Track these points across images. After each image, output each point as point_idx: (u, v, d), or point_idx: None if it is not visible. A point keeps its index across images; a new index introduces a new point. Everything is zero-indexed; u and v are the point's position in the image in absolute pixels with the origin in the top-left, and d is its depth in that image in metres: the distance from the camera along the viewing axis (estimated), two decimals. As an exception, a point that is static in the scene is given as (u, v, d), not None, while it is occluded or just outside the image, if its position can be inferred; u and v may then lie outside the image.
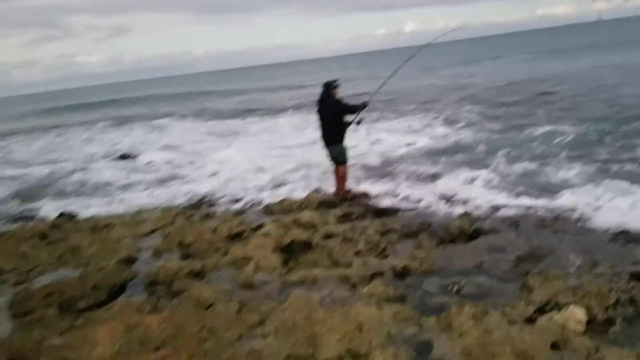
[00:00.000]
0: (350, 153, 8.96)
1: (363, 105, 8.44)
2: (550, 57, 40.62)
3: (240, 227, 7.38)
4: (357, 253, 6.04)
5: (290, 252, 6.31)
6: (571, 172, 8.64)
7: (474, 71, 36.63)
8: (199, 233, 7.10)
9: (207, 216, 8.60)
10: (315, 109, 8.72)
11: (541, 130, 12.57)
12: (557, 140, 11.29)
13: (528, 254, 5.54)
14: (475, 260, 5.54)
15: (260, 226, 7.31)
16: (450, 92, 23.86)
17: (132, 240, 7.45)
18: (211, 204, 9.69)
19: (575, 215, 6.65)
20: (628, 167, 8.61)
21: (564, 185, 7.95)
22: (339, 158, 8.67)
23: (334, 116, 8.46)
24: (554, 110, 15.23)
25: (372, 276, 5.37)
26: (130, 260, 6.67)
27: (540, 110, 15.59)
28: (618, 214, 6.35)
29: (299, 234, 6.54)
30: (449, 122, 15.54)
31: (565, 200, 7.21)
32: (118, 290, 5.71)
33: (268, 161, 12.83)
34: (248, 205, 9.19)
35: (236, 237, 7.11)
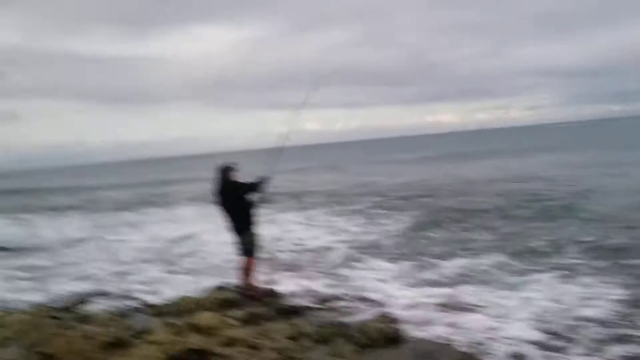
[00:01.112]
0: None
1: (264, 179, 7.64)
2: (444, 160, 42.70)
3: (122, 333, 6.18)
4: (265, 364, 5.10)
5: (183, 364, 5.24)
6: (482, 267, 8.35)
7: (375, 170, 37.52)
8: (69, 341, 5.80)
9: (84, 319, 7.27)
10: (214, 199, 7.82)
11: (449, 229, 12.49)
12: (473, 238, 11.19)
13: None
14: (402, 370, 4.80)
15: (148, 331, 6.16)
16: (355, 189, 23.93)
17: (-18, 353, 5.98)
18: (90, 302, 8.35)
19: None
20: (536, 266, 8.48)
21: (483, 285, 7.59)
22: (249, 248, 7.77)
23: (238, 199, 7.62)
24: (456, 209, 15.35)
25: (285, 394, 4.47)
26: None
27: (444, 208, 15.71)
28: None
29: (195, 341, 5.50)
30: (357, 217, 15.25)
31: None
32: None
33: (163, 254, 11.71)
34: (136, 305, 7.98)
35: (117, 345, 5.90)
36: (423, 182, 24.10)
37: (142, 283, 9.34)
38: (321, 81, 8.50)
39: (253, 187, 7.63)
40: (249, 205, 7.71)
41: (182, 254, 11.73)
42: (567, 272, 7.76)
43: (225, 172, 7.65)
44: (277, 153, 8.26)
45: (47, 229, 18.77)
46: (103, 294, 8.82)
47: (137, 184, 46.19)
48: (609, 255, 8.60)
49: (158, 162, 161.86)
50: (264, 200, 7.80)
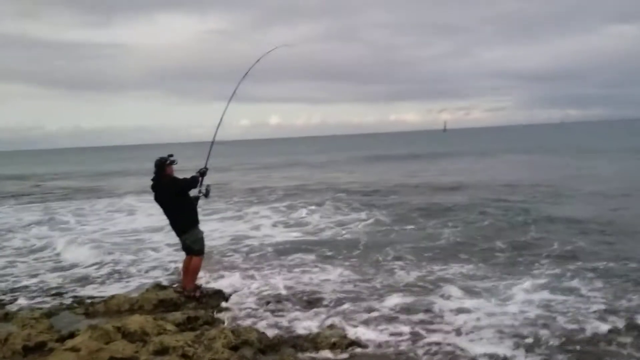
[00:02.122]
0: (207, 242, 7.49)
1: (202, 173, 7.18)
2: (408, 161, 42.14)
3: (43, 336, 5.51)
4: (199, 378, 4.51)
5: (106, 375, 4.61)
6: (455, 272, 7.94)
7: (337, 167, 36.97)
8: (-20, 345, 5.09)
9: (6, 318, 6.53)
10: (153, 195, 7.19)
11: (411, 230, 12.03)
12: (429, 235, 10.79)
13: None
14: (353, 388, 4.28)
15: (72, 334, 5.49)
16: (315, 185, 23.34)
17: None
18: (17, 298, 7.59)
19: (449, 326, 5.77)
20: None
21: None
22: (193, 247, 7.13)
23: (176, 197, 6.99)
24: (420, 209, 14.85)
25: (217, 414, 3.89)
26: None
27: (408, 208, 15.25)
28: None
29: (121, 349, 4.86)
30: (314, 213, 14.69)
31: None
32: None
33: (103, 248, 10.94)
34: (66, 303, 7.25)
35: (35, 350, 5.25)
36: (387, 182, 23.37)
37: (77, 277, 8.67)
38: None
39: (190, 182, 7.04)
40: (189, 202, 7.11)
41: (123, 248, 10.97)
42: (539, 279, 7.40)
43: (161, 167, 6.99)
44: (210, 145, 7.86)
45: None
46: (32, 289, 8.07)
47: (91, 172, 44.57)
48: (579, 261, 8.32)
49: (117, 150, 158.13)
50: (205, 194, 7.30)
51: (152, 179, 7.06)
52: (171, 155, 7.08)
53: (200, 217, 7.35)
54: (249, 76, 8.24)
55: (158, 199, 7.07)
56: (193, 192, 7.17)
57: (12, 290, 8.09)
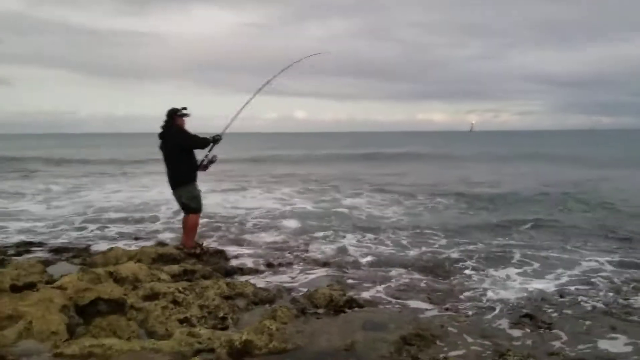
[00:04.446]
0: (206, 201, 7.28)
1: (215, 140, 6.91)
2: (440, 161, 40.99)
3: (34, 277, 5.33)
4: (184, 320, 4.27)
5: (90, 315, 4.40)
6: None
7: (362, 162, 36.28)
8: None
9: (1, 263, 6.39)
10: (158, 143, 6.97)
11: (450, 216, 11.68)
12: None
13: (414, 334, 4.08)
14: (345, 339, 3.96)
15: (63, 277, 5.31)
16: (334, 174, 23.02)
17: None
18: (27, 250, 7.47)
19: (469, 294, 5.45)
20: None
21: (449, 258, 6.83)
22: (190, 204, 6.92)
23: (181, 150, 6.77)
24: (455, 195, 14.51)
25: (197, 353, 3.65)
26: None
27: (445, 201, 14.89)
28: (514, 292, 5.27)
29: (109, 290, 4.63)
30: (333, 193, 14.44)
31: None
32: None
33: (113, 214, 10.83)
34: (68, 255, 7.11)
35: (23, 289, 5.05)
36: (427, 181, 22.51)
37: (80, 238, 8.56)
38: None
39: (198, 141, 6.79)
40: (192, 158, 6.88)
41: (132, 210, 10.87)
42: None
43: (172, 116, 6.77)
44: (232, 118, 7.44)
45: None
46: (41, 244, 7.96)
47: (119, 158, 44.86)
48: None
49: (146, 137, 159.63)
50: (210, 161, 7.03)
51: (161, 127, 6.84)
52: (184, 108, 6.84)
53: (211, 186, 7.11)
54: (284, 71, 7.81)
55: (162, 148, 6.87)
56: (199, 157, 6.97)
57: (17, 245, 7.96)
